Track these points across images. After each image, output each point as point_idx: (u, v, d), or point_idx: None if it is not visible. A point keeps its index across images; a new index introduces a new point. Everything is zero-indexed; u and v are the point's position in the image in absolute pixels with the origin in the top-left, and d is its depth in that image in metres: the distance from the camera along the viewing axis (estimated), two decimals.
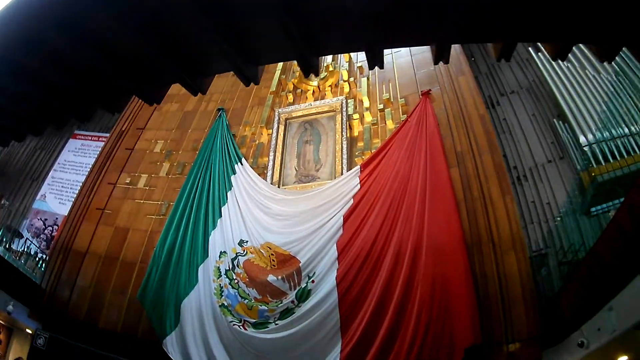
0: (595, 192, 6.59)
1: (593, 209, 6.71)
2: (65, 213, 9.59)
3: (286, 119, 7.63)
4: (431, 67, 7.27)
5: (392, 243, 5.39)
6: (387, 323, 4.86)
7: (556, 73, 7.82)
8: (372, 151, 6.60)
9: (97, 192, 7.67)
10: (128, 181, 7.77)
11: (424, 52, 7.51)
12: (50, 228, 10.09)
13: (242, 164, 7.11)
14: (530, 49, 8.55)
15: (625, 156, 6.42)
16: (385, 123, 6.94)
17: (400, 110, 7.00)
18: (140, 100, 8.49)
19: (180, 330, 5.84)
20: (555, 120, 8.01)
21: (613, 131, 6.68)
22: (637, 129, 6.44)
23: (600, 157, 6.56)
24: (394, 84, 7.48)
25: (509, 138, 8.61)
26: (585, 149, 6.79)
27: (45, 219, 10.29)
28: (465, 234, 5.25)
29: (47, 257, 7.67)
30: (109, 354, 6.09)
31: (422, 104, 6.67)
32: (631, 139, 6.43)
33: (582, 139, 6.86)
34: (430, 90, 6.85)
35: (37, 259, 8.16)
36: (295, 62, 8.35)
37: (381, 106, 7.16)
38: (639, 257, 3.36)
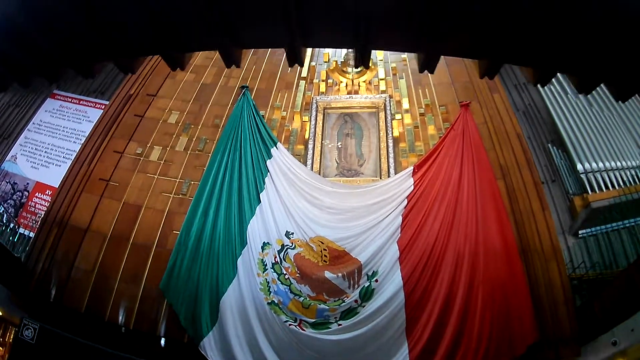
0: (587, 217, 7.42)
1: (581, 232, 7.57)
2: (38, 179, 8.23)
3: (324, 108, 7.30)
4: (466, 79, 7.54)
5: (449, 247, 5.53)
6: (454, 323, 5.02)
7: (556, 101, 8.61)
8: (417, 154, 6.65)
9: (101, 160, 6.54)
10: (139, 151, 6.74)
11: (458, 64, 7.73)
12: (20, 193, 8.44)
13: (277, 148, 6.58)
14: None
15: (617, 187, 7.29)
16: (427, 128, 7.02)
17: (441, 117, 7.13)
18: (151, 64, 7.50)
19: (220, 330, 5.23)
20: (549, 145, 8.83)
21: (608, 163, 7.56)
22: (635, 163, 7.41)
23: (596, 186, 7.31)
24: (430, 90, 7.56)
25: None
26: (582, 176, 7.54)
27: (15, 183, 8.60)
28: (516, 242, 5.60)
29: (18, 226, 6.31)
30: (121, 353, 5.21)
31: (463, 115, 6.87)
32: (628, 172, 7.35)
33: (579, 166, 7.57)
34: (470, 102, 7.08)
35: (4, 227, 6.71)
36: (324, 52, 8.16)
37: (422, 110, 7.22)
38: None
